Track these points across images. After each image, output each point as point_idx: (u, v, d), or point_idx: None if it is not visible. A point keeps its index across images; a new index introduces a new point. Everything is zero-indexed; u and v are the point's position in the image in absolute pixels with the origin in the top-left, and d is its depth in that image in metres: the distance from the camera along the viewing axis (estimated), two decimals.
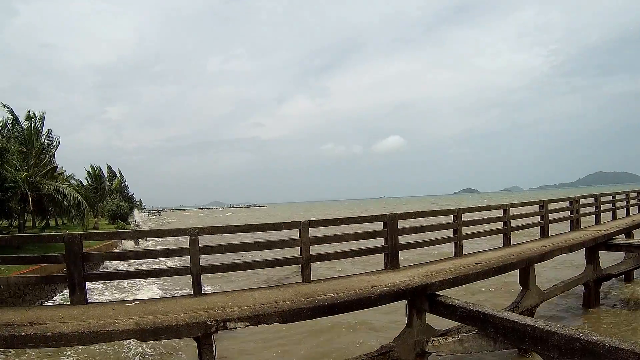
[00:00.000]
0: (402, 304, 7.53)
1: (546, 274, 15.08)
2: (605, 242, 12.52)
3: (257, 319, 5.76)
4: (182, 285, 16.49)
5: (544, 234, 12.69)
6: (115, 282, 17.65)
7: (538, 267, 10.01)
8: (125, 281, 17.71)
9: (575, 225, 13.97)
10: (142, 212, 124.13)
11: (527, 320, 5.89)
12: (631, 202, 18.75)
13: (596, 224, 15.18)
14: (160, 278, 15.26)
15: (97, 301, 8.04)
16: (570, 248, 10.84)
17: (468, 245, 10.83)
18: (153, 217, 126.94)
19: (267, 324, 5.89)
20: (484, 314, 6.50)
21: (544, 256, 9.89)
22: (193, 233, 7.21)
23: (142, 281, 17.78)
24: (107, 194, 55.78)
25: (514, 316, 6.20)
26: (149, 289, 16.23)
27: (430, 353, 7.41)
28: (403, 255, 9.25)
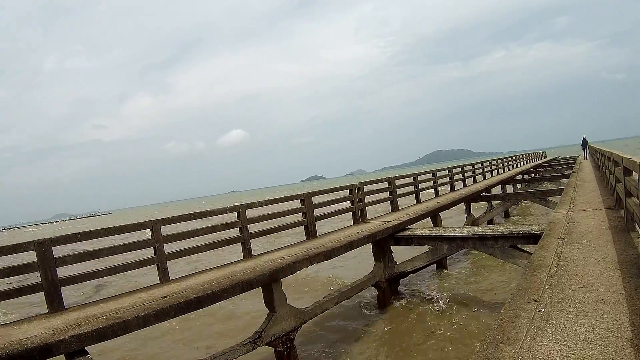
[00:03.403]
0: None
1: None
2: (392, 235, 10.25)
3: None
4: None
5: (310, 234, 10.01)
6: None
7: None
8: None
9: (359, 217, 11.53)
10: None
11: None
12: (440, 181, 17.30)
13: (392, 211, 13.04)
14: None
15: None
16: (328, 254, 8.16)
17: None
18: None
19: None
20: None
21: (276, 273, 7.10)
22: None
23: None
24: None
25: None
26: None
27: None
28: None
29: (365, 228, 10.28)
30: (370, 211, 12.86)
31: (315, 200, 10.60)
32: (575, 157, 37.53)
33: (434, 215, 13.23)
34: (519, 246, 8.87)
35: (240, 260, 8.56)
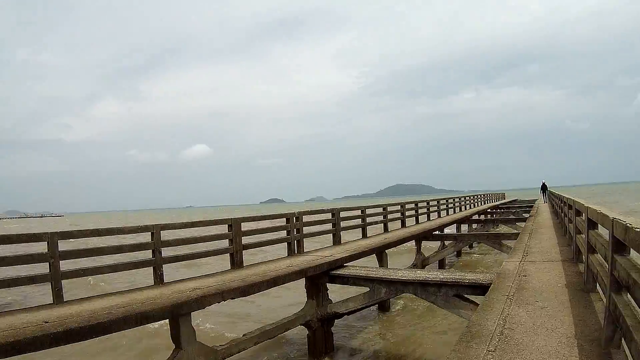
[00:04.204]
0: None
1: None
2: (327, 272, 9.20)
3: None
4: None
5: (235, 264, 8.87)
6: None
7: None
8: None
9: (294, 249, 10.42)
10: None
11: None
12: (391, 216, 16.43)
13: (334, 244, 12.01)
14: None
15: None
16: (246, 289, 7.05)
17: None
18: None
19: None
20: None
21: (179, 308, 6.03)
22: None
23: None
24: None
25: None
26: None
27: None
28: None
29: (298, 262, 9.16)
30: (312, 243, 11.81)
31: (248, 226, 9.50)
32: (534, 201, 37.79)
33: (379, 252, 12.25)
34: (465, 295, 7.97)
35: (148, 287, 7.41)
